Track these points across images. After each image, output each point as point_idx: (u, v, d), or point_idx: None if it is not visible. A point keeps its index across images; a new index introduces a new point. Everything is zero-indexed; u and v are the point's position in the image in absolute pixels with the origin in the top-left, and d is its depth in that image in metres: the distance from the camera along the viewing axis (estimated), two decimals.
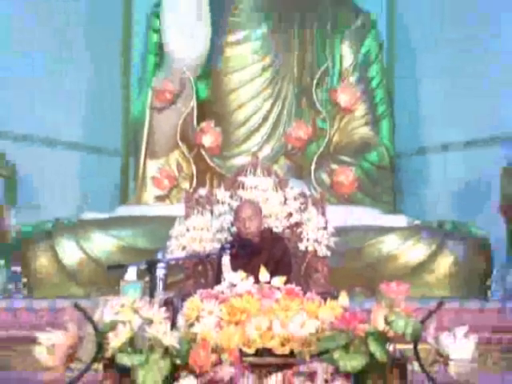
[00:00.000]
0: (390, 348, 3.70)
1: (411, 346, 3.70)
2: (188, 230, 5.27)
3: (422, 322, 3.73)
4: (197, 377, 3.66)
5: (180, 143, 7.55)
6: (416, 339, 3.68)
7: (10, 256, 6.82)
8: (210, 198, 5.42)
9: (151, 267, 4.33)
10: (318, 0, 8.29)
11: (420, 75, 8.64)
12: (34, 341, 3.86)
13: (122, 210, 7.39)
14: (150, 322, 3.73)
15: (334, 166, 7.60)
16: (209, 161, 7.64)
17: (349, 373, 3.66)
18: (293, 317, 3.81)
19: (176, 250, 5.25)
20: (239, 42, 8.10)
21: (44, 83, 8.14)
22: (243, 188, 5.40)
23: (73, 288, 6.69)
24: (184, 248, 5.24)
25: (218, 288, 4.08)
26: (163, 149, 7.82)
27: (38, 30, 8.14)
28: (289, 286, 4.04)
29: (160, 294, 4.37)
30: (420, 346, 3.71)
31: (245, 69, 8.05)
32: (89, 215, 7.24)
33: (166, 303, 4.19)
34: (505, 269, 6.72)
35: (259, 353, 3.75)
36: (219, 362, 3.66)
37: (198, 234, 5.25)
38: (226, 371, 3.65)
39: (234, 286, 4.02)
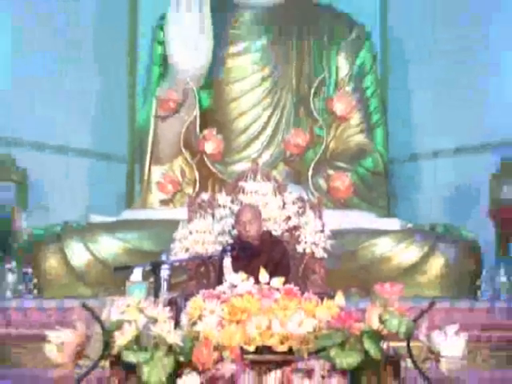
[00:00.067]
0: (384, 346, 3.78)
1: (404, 344, 3.78)
2: (191, 232, 5.27)
3: (415, 320, 3.81)
4: (199, 373, 3.70)
5: (183, 150, 7.58)
6: (409, 337, 3.76)
7: (21, 258, 6.84)
8: (211, 202, 5.42)
9: (156, 268, 4.35)
10: (315, 13, 8.32)
11: (412, 86, 8.68)
12: (43, 339, 3.91)
13: (128, 214, 7.38)
14: (155, 320, 3.79)
15: (331, 172, 7.60)
16: (211, 167, 7.64)
17: (345, 369, 3.74)
18: (291, 316, 3.86)
19: (179, 252, 5.26)
20: (240, 53, 8.11)
21: (55, 90, 8.21)
22: (244, 193, 5.40)
23: (81, 288, 6.73)
24: (187, 250, 5.25)
25: (219, 288, 4.14)
26: (167, 155, 7.87)
27: (49, 38, 8.20)
28: (287, 286, 4.08)
29: (164, 294, 4.45)
30: (412, 344, 3.80)
31: (245, 79, 8.07)
32: (96, 219, 7.28)
33: (170, 303, 4.26)
34: (493, 270, 6.72)
35: (259, 350, 3.79)
36: (221, 360, 3.71)
37: (201, 236, 5.25)
38: (228, 368, 3.71)
39: (235, 286, 4.08)
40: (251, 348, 3.80)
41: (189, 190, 7.62)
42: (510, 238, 7.11)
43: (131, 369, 3.72)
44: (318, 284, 5.28)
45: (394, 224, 7.15)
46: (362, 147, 8.08)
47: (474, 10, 8.22)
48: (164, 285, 4.76)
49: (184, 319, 3.95)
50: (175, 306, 4.26)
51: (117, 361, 3.78)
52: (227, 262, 4.82)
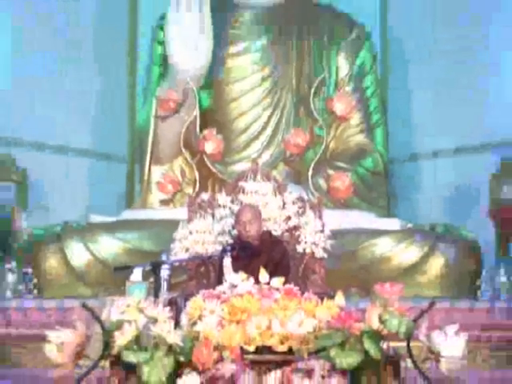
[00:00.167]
0: (384, 346, 3.78)
1: (404, 344, 3.78)
2: (191, 232, 5.27)
3: (415, 320, 3.81)
4: (199, 373, 3.70)
5: (183, 150, 7.60)
6: (409, 337, 3.76)
7: (21, 258, 6.86)
8: (211, 202, 5.42)
9: (156, 268, 4.36)
10: (315, 13, 8.34)
11: (412, 86, 8.70)
12: (43, 339, 3.91)
13: (128, 214, 7.41)
14: (155, 320, 3.79)
15: (331, 172, 7.63)
16: (211, 167, 7.67)
17: (345, 369, 3.74)
18: (291, 316, 3.86)
19: (179, 252, 5.25)
20: (240, 53, 8.14)
21: (55, 90, 8.22)
22: (244, 193, 5.40)
23: (81, 288, 6.75)
24: (187, 250, 5.24)
25: (219, 288, 4.14)
26: (167, 155, 7.90)
27: (49, 38, 8.22)
28: (287, 286, 4.08)
29: (164, 294, 4.45)
30: (412, 344, 3.79)
31: (245, 79, 8.10)
32: (96, 219, 7.30)
33: (170, 303, 4.26)
34: (493, 270, 6.75)
35: (259, 350, 3.80)
36: (221, 360, 3.70)
37: (201, 236, 5.25)
38: (228, 368, 3.71)
39: (235, 286, 4.08)
40: (251, 348, 3.80)
41: (189, 190, 7.63)
42: (510, 237, 7.13)
43: (131, 369, 3.73)
44: (317, 284, 5.28)
45: (393, 224, 7.17)
46: (362, 147, 8.10)
47: (474, 9, 8.24)
48: (164, 285, 4.74)
49: (184, 319, 3.95)
50: (175, 306, 4.26)
51: (117, 361, 3.78)
52: (227, 261, 4.81)
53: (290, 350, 3.82)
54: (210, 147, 7.59)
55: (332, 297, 4.07)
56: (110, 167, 8.70)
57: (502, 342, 6.21)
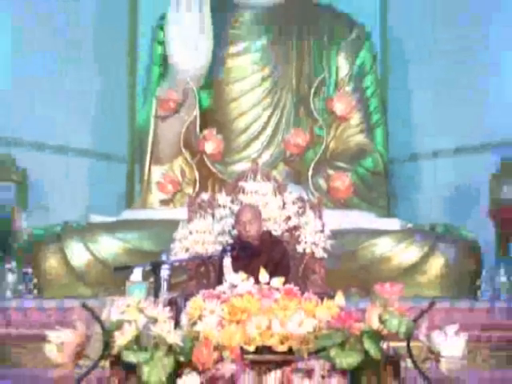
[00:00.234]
0: (384, 346, 3.78)
1: (404, 344, 3.78)
2: (191, 232, 5.27)
3: (415, 320, 3.81)
4: (199, 373, 3.71)
5: (183, 150, 7.60)
6: (409, 337, 3.76)
7: (21, 258, 6.86)
8: (211, 202, 5.42)
9: (156, 268, 4.36)
10: (315, 13, 8.34)
11: (412, 86, 8.71)
12: (43, 339, 3.91)
13: (128, 214, 7.41)
14: (155, 320, 3.79)
15: (331, 172, 7.64)
16: (211, 167, 7.67)
17: (345, 369, 3.74)
18: (291, 316, 3.86)
19: (179, 252, 5.26)
20: (240, 53, 8.15)
21: (55, 90, 8.22)
22: (244, 193, 5.39)
23: (81, 288, 6.75)
24: (187, 250, 5.24)
25: (219, 288, 4.14)
26: (167, 155, 7.90)
27: (49, 38, 8.23)
28: (287, 286, 4.08)
29: (164, 294, 4.45)
30: (412, 344, 3.80)
31: (245, 79, 8.11)
32: (96, 219, 7.30)
33: (170, 303, 4.26)
34: (493, 270, 6.76)
35: (259, 350, 3.80)
36: (221, 360, 3.71)
37: (201, 236, 5.25)
38: (228, 368, 3.71)
39: (235, 286, 4.08)
40: (251, 348, 3.80)
41: (189, 190, 7.64)
42: (510, 237, 7.13)
43: (131, 369, 3.73)
44: (317, 284, 5.28)
45: (393, 224, 7.17)
46: (362, 147, 8.11)
47: (474, 9, 8.25)
48: (164, 285, 4.74)
49: (184, 319, 3.95)
50: (175, 306, 4.26)
51: (117, 361, 3.78)
52: (227, 261, 4.81)
53: (290, 350, 3.82)
54: (210, 147, 7.60)
55: (332, 297, 4.07)
56: (110, 167, 8.71)
57: (502, 342, 6.22)
